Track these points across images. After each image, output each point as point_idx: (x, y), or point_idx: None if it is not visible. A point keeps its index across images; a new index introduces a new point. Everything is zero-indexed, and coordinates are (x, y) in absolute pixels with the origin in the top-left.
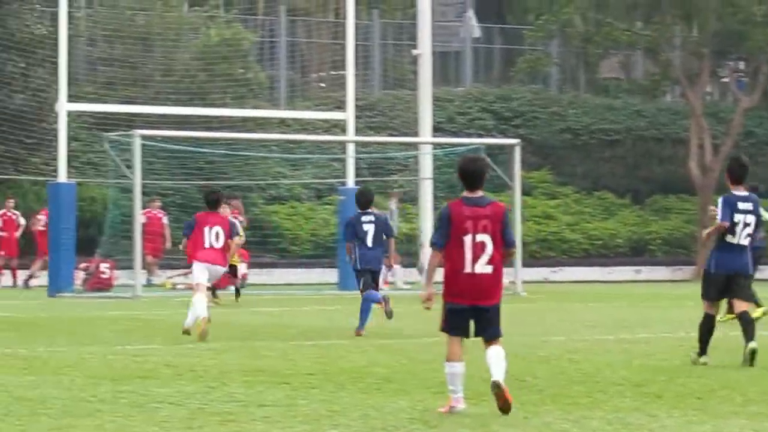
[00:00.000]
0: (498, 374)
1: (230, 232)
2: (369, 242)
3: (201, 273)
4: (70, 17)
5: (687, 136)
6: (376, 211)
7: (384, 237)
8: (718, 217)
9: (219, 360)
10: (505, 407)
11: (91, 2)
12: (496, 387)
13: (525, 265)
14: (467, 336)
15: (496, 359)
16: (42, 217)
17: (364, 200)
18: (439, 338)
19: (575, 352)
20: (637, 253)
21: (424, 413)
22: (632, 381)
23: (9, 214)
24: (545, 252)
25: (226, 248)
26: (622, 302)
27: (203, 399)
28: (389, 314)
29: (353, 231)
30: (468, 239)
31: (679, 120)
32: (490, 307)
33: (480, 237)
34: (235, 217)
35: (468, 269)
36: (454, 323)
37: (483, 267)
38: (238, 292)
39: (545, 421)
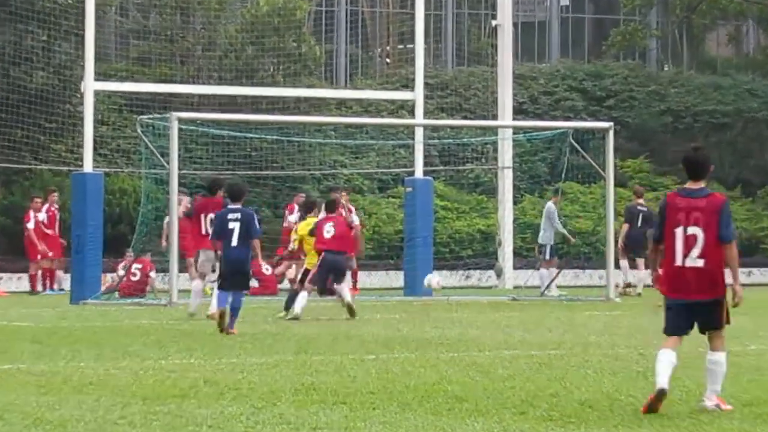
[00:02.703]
0: (712, 384)
1: None
2: (234, 241)
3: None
4: None
5: None
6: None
7: (250, 237)
8: None
9: (267, 376)
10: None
11: None
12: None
13: (618, 266)
14: (684, 334)
15: (711, 367)
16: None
17: (234, 194)
18: (519, 351)
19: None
20: (747, 252)
21: None
22: (741, 399)
23: (53, 209)
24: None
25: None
26: (731, 309)
27: (248, 421)
28: (222, 328)
29: (220, 228)
30: (679, 231)
31: None
32: (704, 301)
33: (691, 229)
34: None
35: (678, 262)
36: (669, 320)
37: (693, 261)
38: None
39: None
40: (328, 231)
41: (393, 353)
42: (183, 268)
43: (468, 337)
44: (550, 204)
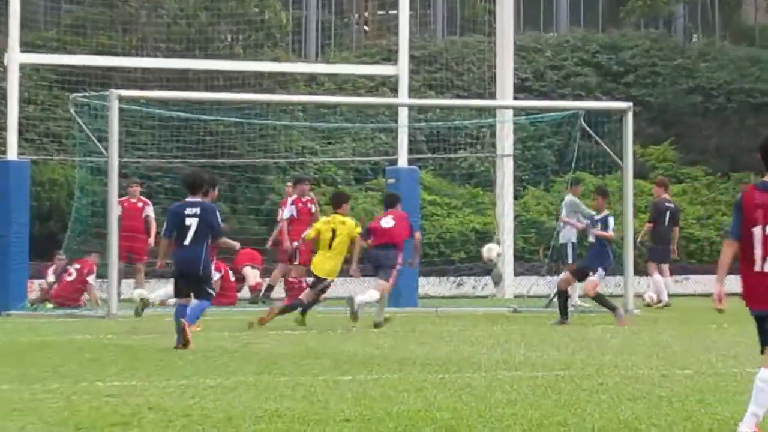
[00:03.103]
0: (755, 406)
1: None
2: (187, 239)
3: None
4: None
5: None
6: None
7: (211, 235)
8: None
9: (223, 401)
10: None
11: None
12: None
13: (638, 272)
14: None
15: (761, 385)
16: None
17: (191, 184)
18: (520, 372)
19: (706, 390)
20: None
21: None
22: None
23: None
24: None
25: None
26: None
27: None
28: (184, 342)
29: (174, 223)
30: (758, 231)
31: None
32: None
33: None
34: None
35: (758, 267)
36: (760, 333)
37: None
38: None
39: None
40: (387, 222)
41: (372, 374)
42: (129, 274)
43: (460, 355)
44: (570, 197)
